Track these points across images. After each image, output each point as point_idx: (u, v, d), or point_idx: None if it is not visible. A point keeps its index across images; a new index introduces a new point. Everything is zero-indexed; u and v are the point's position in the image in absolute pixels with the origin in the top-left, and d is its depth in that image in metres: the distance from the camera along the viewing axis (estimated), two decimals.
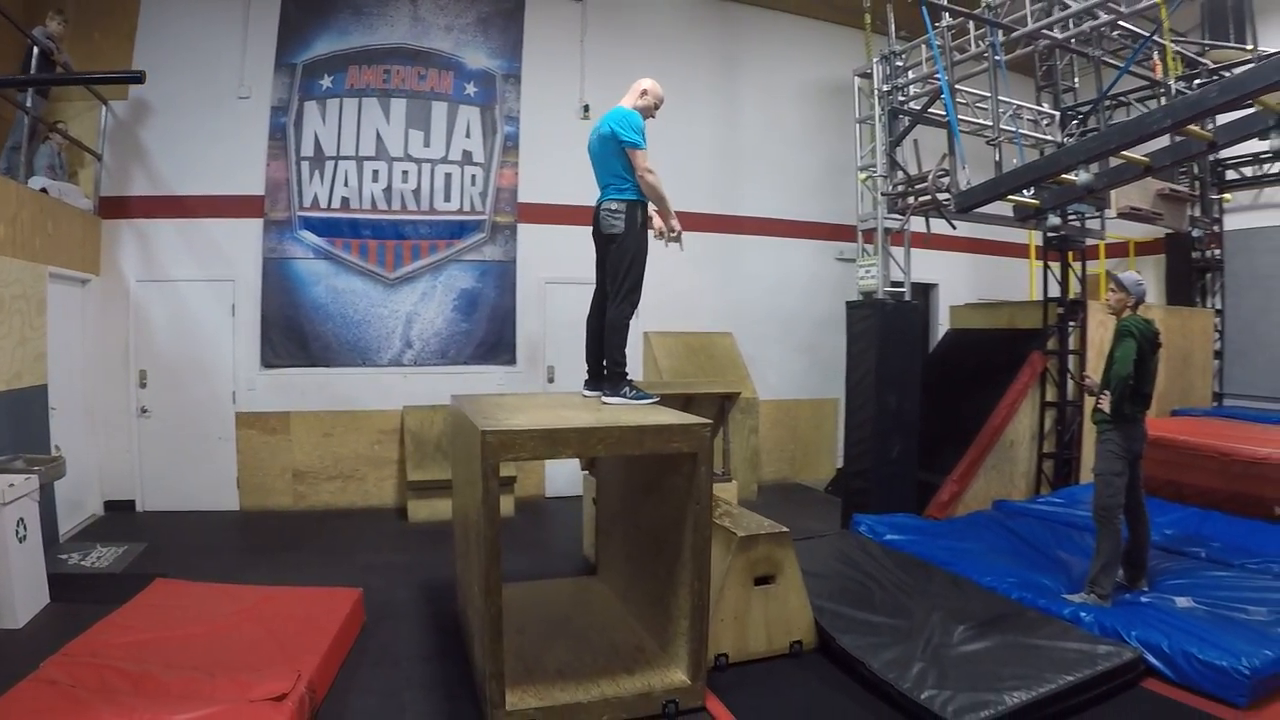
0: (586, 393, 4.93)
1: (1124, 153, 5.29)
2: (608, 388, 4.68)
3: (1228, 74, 7.12)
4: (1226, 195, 9.20)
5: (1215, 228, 9.24)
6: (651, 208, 4.75)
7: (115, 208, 7.41)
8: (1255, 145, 6.67)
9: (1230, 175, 9.01)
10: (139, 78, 5.97)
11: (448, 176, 8.39)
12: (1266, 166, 8.53)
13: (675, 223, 4.72)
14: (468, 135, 8.46)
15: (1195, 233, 8.88)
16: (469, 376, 8.31)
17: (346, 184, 8.05)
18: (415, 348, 8.32)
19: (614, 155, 4.58)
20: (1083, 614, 4.64)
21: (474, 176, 8.48)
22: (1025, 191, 6.59)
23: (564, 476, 8.33)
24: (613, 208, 4.60)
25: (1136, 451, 5.06)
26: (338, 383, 8.04)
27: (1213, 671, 3.91)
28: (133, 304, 7.46)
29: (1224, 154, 8.56)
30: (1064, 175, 5.77)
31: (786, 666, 4.43)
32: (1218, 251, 9.29)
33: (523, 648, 4.20)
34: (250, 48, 7.64)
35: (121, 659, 3.71)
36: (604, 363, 4.75)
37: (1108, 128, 5.57)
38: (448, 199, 8.40)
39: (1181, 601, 4.80)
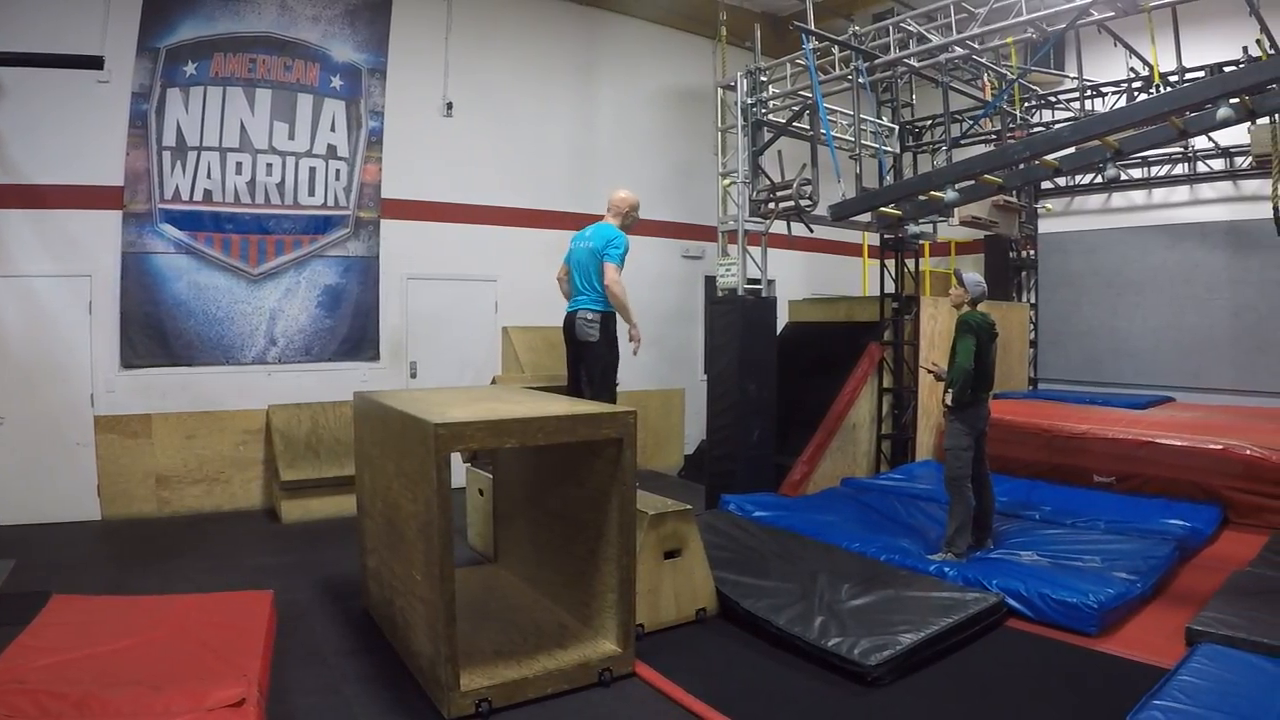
0: None
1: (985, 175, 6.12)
2: None
3: (1052, 98, 8.24)
4: (1048, 204, 10.35)
5: (1030, 231, 10.33)
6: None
7: None
8: None
9: (1045, 184, 10.02)
10: (97, 63, 5.49)
11: (312, 170, 8.23)
12: (1078, 178, 9.66)
13: (636, 331, 5.42)
14: (333, 129, 8.33)
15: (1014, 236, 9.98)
16: (334, 373, 8.24)
17: (209, 176, 7.71)
18: (279, 345, 8.13)
19: (598, 267, 5.25)
20: (946, 569, 5.28)
21: (338, 171, 8.37)
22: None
23: None
24: (588, 317, 5.27)
25: (981, 429, 5.77)
26: (200, 382, 7.73)
27: (1065, 608, 4.62)
28: None
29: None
30: (933, 192, 6.51)
31: (696, 632, 4.82)
32: (1032, 252, 10.46)
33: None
34: (111, 29, 7.12)
35: (52, 682, 3.48)
36: None
37: (976, 156, 6.35)
38: (312, 193, 8.23)
39: (1026, 556, 5.55)
